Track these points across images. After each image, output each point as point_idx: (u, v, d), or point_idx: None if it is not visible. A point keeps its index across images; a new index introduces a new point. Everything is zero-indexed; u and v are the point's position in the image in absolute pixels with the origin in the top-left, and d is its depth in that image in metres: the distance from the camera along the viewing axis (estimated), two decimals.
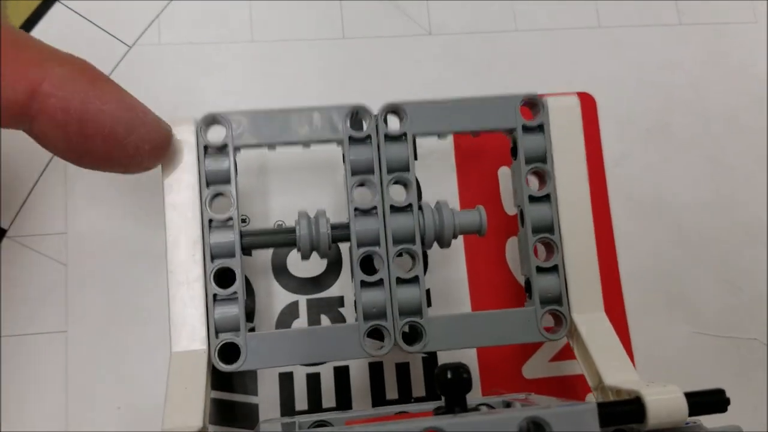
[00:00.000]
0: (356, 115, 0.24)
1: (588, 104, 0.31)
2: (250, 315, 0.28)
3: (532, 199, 0.24)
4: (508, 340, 0.23)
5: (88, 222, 0.28)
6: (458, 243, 0.29)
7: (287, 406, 0.27)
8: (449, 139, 0.30)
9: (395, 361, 0.28)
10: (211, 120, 0.23)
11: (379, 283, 0.23)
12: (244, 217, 0.28)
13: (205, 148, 0.23)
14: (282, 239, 0.24)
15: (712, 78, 0.32)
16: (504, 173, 0.30)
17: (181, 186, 0.23)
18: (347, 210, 0.24)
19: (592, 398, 0.23)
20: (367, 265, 0.24)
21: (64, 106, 0.20)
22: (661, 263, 0.30)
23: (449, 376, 0.21)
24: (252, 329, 0.27)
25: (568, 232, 0.24)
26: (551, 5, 0.32)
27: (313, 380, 0.28)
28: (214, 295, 0.22)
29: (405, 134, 0.24)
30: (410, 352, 0.23)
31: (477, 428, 0.18)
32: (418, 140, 0.29)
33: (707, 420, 0.21)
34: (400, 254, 0.24)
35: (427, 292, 0.28)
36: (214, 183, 0.23)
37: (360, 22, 0.31)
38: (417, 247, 0.23)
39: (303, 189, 0.29)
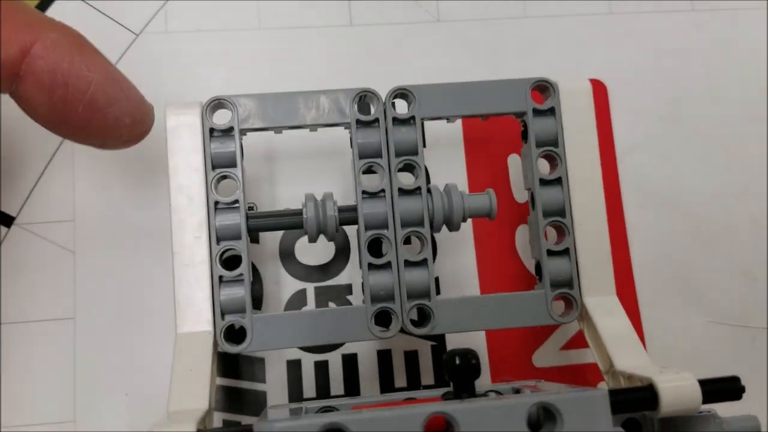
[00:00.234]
0: (364, 99, 0.24)
1: (599, 92, 0.30)
2: (257, 302, 0.27)
3: (543, 182, 0.24)
4: (517, 322, 0.23)
5: (96, 209, 0.28)
6: (467, 230, 0.29)
7: (295, 394, 0.27)
8: (458, 126, 0.29)
9: (404, 349, 0.28)
10: (216, 103, 0.23)
11: (387, 265, 0.23)
12: (251, 205, 0.28)
13: (211, 130, 0.23)
14: (289, 222, 0.23)
15: (725, 65, 0.32)
16: (514, 161, 0.30)
17: (187, 168, 0.23)
18: (355, 193, 0.23)
19: (604, 386, 0.23)
20: (375, 248, 0.23)
21: (51, 69, 0.21)
22: (673, 253, 0.30)
23: (457, 361, 0.21)
24: None
25: (580, 215, 0.24)
26: None
27: (321, 368, 0.27)
28: (220, 277, 0.22)
29: (413, 117, 0.24)
30: (417, 335, 0.23)
31: (485, 413, 0.18)
32: (426, 126, 0.29)
33: (721, 409, 0.20)
34: (408, 240, 0.23)
35: (436, 279, 0.28)
36: (219, 166, 0.23)
37: (368, 9, 0.31)
38: (426, 230, 0.23)
39: (309, 176, 0.29)
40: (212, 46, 0.30)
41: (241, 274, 0.22)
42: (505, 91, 0.24)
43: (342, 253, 0.29)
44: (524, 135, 0.25)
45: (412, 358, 0.28)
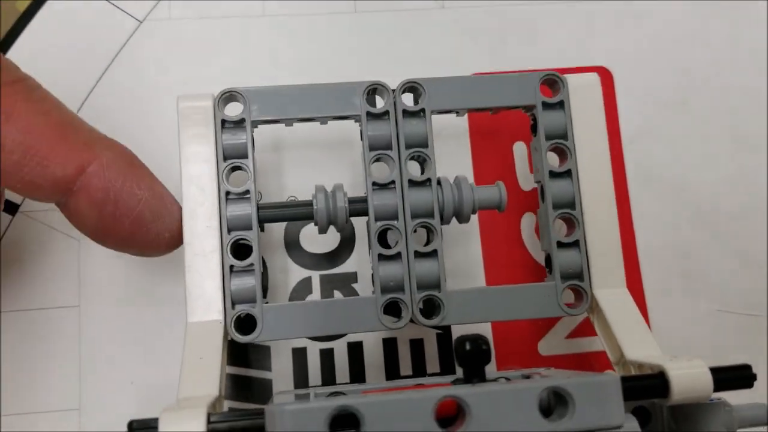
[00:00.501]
0: (373, 92, 0.24)
1: (605, 79, 0.30)
2: (263, 291, 0.27)
3: (553, 174, 0.24)
4: (528, 314, 0.23)
5: None
6: (473, 219, 0.29)
7: (301, 382, 0.27)
8: (464, 116, 0.29)
9: (409, 337, 0.28)
10: (228, 95, 0.23)
11: (397, 256, 0.23)
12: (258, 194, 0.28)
13: (223, 122, 0.23)
14: (299, 212, 0.24)
15: (733, 53, 0.31)
16: (519, 148, 0.30)
17: (199, 159, 0.23)
18: (365, 185, 0.23)
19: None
20: (383, 240, 0.23)
21: (105, 187, 0.21)
22: (680, 241, 0.30)
23: (468, 347, 0.21)
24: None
25: (590, 208, 0.24)
26: None
27: (327, 356, 0.27)
28: (231, 267, 0.22)
29: (423, 110, 0.24)
30: (427, 326, 0.23)
31: (497, 398, 0.18)
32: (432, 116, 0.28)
33: (731, 397, 0.20)
34: (415, 231, 0.23)
35: None
36: (231, 157, 0.23)
37: None
38: (436, 221, 0.23)
39: (317, 167, 0.29)
40: (216, 33, 0.30)
41: (252, 264, 0.22)
42: (515, 85, 0.24)
43: (347, 242, 0.28)
44: (533, 128, 0.25)
45: (417, 346, 0.28)
